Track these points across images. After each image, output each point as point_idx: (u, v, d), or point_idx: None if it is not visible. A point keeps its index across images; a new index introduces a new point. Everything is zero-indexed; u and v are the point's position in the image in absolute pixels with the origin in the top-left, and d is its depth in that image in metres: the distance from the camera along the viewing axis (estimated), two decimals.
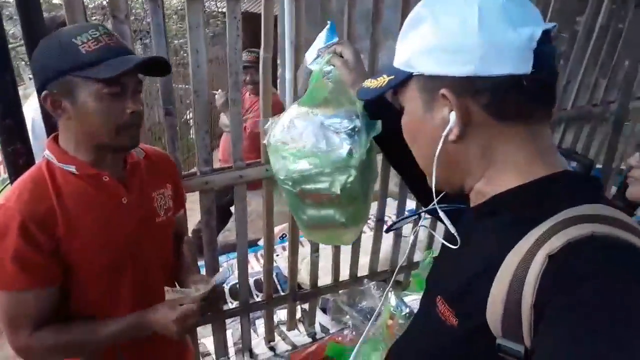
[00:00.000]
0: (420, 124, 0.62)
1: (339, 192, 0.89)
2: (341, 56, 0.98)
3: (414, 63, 0.59)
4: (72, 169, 0.97)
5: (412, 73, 0.59)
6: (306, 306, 2.18)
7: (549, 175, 0.57)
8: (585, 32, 2.11)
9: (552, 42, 0.56)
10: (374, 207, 2.30)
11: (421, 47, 0.58)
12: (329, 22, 1.09)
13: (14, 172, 1.22)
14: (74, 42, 0.89)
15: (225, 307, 1.89)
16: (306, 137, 0.91)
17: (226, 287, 2.38)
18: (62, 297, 0.99)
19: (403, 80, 0.61)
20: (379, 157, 1.04)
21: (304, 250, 2.29)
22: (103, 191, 0.99)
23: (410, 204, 2.35)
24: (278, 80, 5.00)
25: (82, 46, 0.88)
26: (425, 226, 0.78)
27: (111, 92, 0.91)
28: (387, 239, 2.17)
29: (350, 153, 0.88)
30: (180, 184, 1.26)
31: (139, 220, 1.05)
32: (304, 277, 2.24)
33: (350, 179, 0.87)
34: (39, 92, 0.94)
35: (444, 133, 0.58)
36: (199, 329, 1.86)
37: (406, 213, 2.17)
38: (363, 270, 2.13)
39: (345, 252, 2.03)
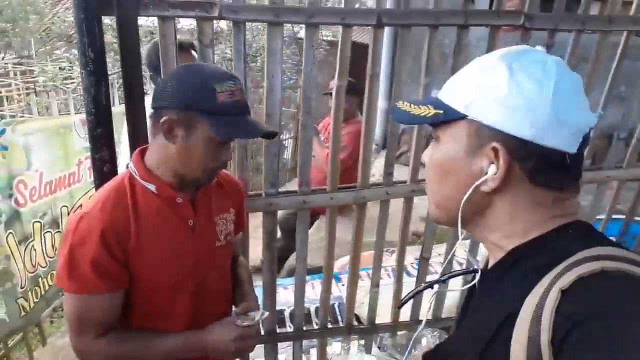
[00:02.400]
0: (456, 165, 0.63)
1: None
2: None
3: (473, 107, 0.59)
4: (152, 188, 1.02)
5: (468, 116, 0.60)
6: (363, 341, 2.09)
7: (564, 225, 0.59)
8: None
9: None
10: (441, 247, 2.18)
11: (488, 95, 0.58)
12: None
13: (99, 177, 1.34)
14: (213, 87, 0.94)
15: (279, 330, 1.87)
16: None
17: (287, 311, 2.38)
18: (124, 308, 1.04)
19: (454, 119, 0.61)
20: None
21: (366, 284, 2.21)
22: (175, 212, 1.04)
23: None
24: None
25: (219, 94, 0.94)
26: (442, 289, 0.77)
27: (221, 143, 0.99)
28: (456, 284, 2.02)
29: None
30: (243, 208, 1.30)
31: (201, 242, 1.09)
32: (366, 311, 2.16)
33: None
34: (156, 110, 0.99)
35: (478, 182, 0.60)
36: None
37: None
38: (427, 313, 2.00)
39: (409, 290, 1.92)
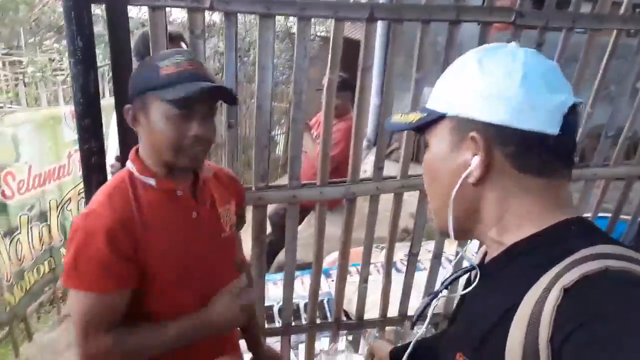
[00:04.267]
0: (443, 163, 0.65)
1: None
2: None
3: (451, 104, 0.62)
4: (152, 182, 1.01)
5: (447, 114, 0.62)
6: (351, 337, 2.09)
7: (564, 221, 0.59)
8: None
9: (577, 115, 0.60)
10: (431, 243, 2.19)
11: (462, 90, 0.61)
12: None
13: (87, 169, 1.33)
14: (157, 64, 0.95)
15: (268, 326, 1.87)
16: None
17: (276, 307, 2.38)
18: (129, 306, 1.01)
19: (436, 119, 0.64)
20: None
21: (356, 280, 2.21)
22: (176, 205, 1.03)
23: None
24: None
25: (162, 69, 0.94)
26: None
27: (179, 114, 0.94)
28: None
29: None
30: (243, 203, 1.28)
31: (207, 234, 1.08)
32: (354, 307, 2.16)
33: None
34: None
35: (464, 174, 0.61)
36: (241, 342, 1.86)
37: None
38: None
39: (398, 286, 1.93)
